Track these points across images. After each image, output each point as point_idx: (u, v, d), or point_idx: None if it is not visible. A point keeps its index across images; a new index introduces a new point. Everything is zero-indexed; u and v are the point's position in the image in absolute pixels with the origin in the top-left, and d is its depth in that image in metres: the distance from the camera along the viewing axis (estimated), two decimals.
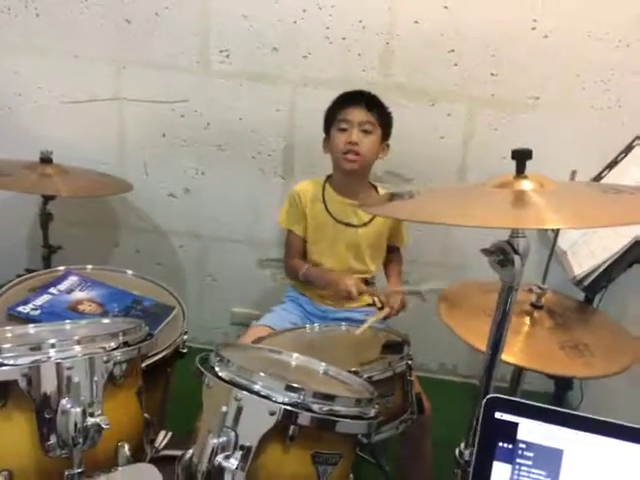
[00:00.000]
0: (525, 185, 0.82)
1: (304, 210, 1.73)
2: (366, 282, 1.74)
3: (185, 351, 1.36)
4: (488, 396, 0.72)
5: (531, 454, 0.70)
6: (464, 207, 0.78)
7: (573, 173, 1.15)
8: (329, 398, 0.91)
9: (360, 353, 1.39)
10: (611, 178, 1.54)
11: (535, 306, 1.23)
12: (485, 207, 0.78)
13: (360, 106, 1.62)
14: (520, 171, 0.83)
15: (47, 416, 0.86)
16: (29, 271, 1.99)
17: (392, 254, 1.84)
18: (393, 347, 1.39)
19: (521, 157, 0.82)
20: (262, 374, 0.91)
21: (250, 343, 1.38)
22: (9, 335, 1.08)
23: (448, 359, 2.39)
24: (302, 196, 1.73)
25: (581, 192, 0.83)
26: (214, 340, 2.42)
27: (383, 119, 1.66)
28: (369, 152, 1.64)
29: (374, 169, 2.03)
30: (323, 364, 1.14)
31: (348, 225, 1.71)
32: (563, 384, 1.48)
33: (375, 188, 1.79)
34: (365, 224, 1.71)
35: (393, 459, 1.60)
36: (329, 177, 1.76)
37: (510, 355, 1.07)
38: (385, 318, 1.58)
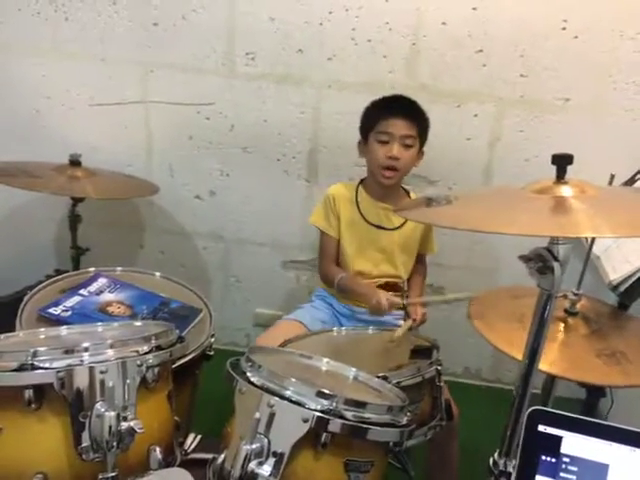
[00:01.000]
0: (565, 191, 0.80)
1: (338, 212, 1.72)
2: (397, 286, 1.74)
3: (212, 353, 1.36)
4: (531, 408, 0.70)
5: (575, 468, 0.68)
6: (506, 214, 0.76)
7: (612, 177, 1.12)
8: (361, 405, 0.91)
9: (388, 358, 1.38)
10: None
11: (569, 312, 1.20)
12: (527, 214, 0.76)
13: (403, 118, 1.57)
14: (560, 176, 0.81)
15: (81, 419, 0.86)
16: (59, 272, 2.02)
17: (417, 264, 1.82)
18: (422, 352, 1.37)
19: (561, 162, 0.81)
20: (293, 379, 0.90)
21: (278, 346, 1.38)
22: (42, 337, 1.09)
23: (472, 363, 2.37)
24: (336, 198, 1.72)
25: (626, 198, 0.81)
26: (237, 341, 2.43)
27: (423, 130, 1.64)
28: (407, 166, 1.63)
29: None
30: (353, 370, 1.13)
31: (380, 228, 1.71)
32: (596, 391, 1.45)
33: (408, 193, 1.78)
34: (397, 228, 1.71)
35: (418, 463, 1.59)
36: (363, 180, 1.76)
37: (545, 364, 1.05)
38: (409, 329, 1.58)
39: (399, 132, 1.57)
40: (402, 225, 1.71)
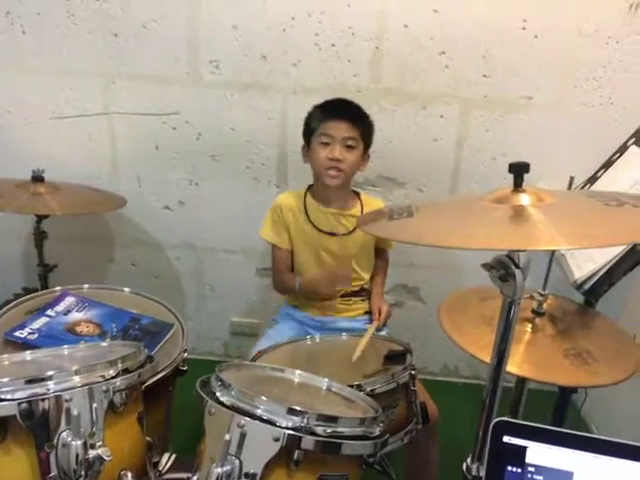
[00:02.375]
0: (523, 199, 0.81)
1: (287, 223, 1.70)
2: (362, 290, 1.74)
3: (185, 369, 1.34)
4: (495, 420, 0.71)
5: (540, 477, 0.69)
6: (465, 227, 0.76)
7: (571, 179, 1.13)
8: (332, 420, 0.90)
9: (362, 365, 1.38)
10: (607, 178, 1.53)
11: (536, 313, 1.22)
12: (486, 226, 0.76)
13: (344, 120, 1.57)
14: (518, 185, 0.82)
15: (47, 450, 0.85)
16: (26, 290, 1.98)
17: (378, 259, 1.80)
18: (395, 357, 1.38)
19: (518, 171, 0.81)
20: (264, 398, 0.90)
21: (251, 358, 1.37)
22: (6, 363, 1.06)
23: (450, 361, 2.39)
24: (284, 209, 1.70)
25: (582, 206, 0.82)
26: (214, 350, 2.42)
27: (366, 133, 1.63)
28: (351, 168, 1.61)
29: (367, 174, 2.03)
30: (326, 380, 1.12)
31: (332, 235, 1.69)
32: (567, 387, 1.48)
33: (358, 195, 1.75)
34: (350, 232, 1.68)
35: (400, 466, 1.59)
36: (310, 187, 1.74)
37: (513, 365, 1.06)
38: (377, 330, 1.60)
39: (340, 134, 1.56)
40: (355, 228, 1.67)
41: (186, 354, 1.35)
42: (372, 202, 1.75)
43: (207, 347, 2.40)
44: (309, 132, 1.64)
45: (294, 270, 1.75)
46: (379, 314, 1.66)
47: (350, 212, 1.69)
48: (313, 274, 1.70)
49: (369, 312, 1.73)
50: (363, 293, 1.75)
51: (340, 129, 1.57)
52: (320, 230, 1.68)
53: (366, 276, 1.76)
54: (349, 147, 1.58)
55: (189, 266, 2.30)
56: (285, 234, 1.71)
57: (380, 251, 1.81)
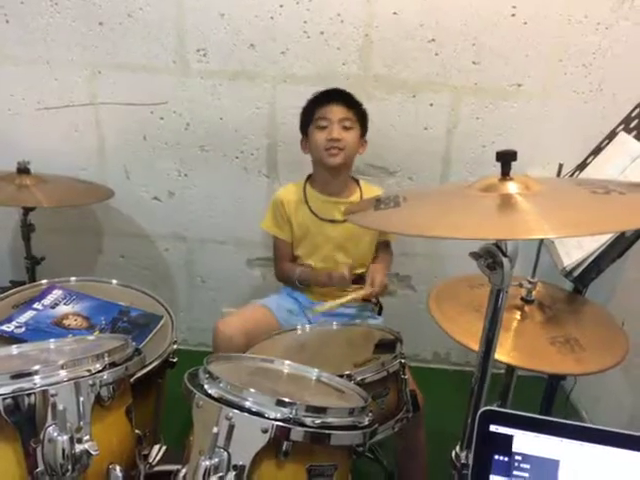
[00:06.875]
0: (511, 188, 0.80)
1: (288, 216, 1.72)
2: (360, 277, 1.73)
3: (175, 360, 1.34)
4: (482, 409, 0.71)
5: (527, 466, 0.69)
6: (452, 216, 0.76)
7: (560, 167, 1.13)
8: (321, 411, 0.90)
9: (353, 353, 1.38)
10: (596, 165, 1.53)
11: (525, 300, 1.22)
12: (474, 215, 0.76)
13: (339, 103, 1.61)
14: (505, 173, 0.82)
15: (33, 445, 0.84)
16: (13, 283, 1.96)
17: (380, 252, 1.79)
18: (386, 346, 1.38)
19: (506, 159, 0.81)
20: (252, 390, 0.89)
21: (242, 353, 1.36)
22: None
23: (441, 348, 2.40)
24: (285, 202, 1.72)
25: (569, 194, 0.82)
26: (205, 341, 2.40)
27: (361, 115, 1.67)
28: (351, 146, 1.63)
29: (357, 163, 2.01)
30: (316, 371, 1.12)
31: (332, 222, 1.70)
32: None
33: (357, 182, 1.77)
34: None
35: (391, 452, 1.60)
36: (309, 177, 1.75)
37: (502, 354, 1.06)
38: (366, 300, 1.63)
39: (336, 116, 1.60)
40: None
41: (175, 346, 1.35)
42: (371, 189, 1.76)
43: (199, 338, 2.39)
44: (306, 122, 1.67)
45: (296, 258, 1.78)
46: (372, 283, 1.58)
47: (350, 199, 1.71)
48: (315, 272, 1.72)
49: (366, 300, 1.72)
50: (361, 281, 1.74)
51: (335, 111, 1.61)
52: (321, 218, 1.70)
53: (365, 262, 1.74)
54: (346, 128, 1.61)
55: (179, 257, 2.29)
56: (286, 226, 1.74)
57: (381, 243, 1.79)
